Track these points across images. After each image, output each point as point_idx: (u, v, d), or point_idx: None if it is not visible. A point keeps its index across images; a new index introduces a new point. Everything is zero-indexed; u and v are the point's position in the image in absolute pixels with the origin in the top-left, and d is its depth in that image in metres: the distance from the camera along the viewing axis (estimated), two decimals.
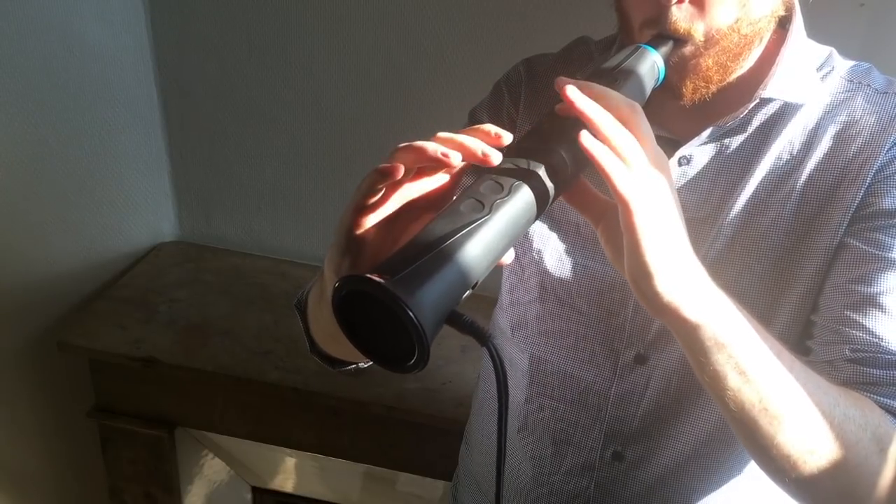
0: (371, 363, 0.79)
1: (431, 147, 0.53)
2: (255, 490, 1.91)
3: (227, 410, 1.50)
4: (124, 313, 1.52)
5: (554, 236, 0.83)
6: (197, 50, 1.52)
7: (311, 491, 1.87)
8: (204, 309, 1.56)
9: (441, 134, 0.55)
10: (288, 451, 1.70)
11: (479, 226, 0.51)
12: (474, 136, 0.54)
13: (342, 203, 0.56)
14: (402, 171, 0.53)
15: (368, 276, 0.46)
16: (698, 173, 0.76)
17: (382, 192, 0.55)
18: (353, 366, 0.83)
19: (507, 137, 0.55)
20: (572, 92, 0.54)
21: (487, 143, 0.54)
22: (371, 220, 0.56)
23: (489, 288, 0.95)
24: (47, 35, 1.41)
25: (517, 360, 0.91)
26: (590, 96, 0.55)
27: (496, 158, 0.53)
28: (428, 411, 1.36)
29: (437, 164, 0.54)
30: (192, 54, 1.52)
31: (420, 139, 0.54)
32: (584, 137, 0.53)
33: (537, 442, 0.91)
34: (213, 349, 1.45)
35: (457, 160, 0.53)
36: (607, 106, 0.55)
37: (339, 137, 1.56)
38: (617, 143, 0.54)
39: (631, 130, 0.55)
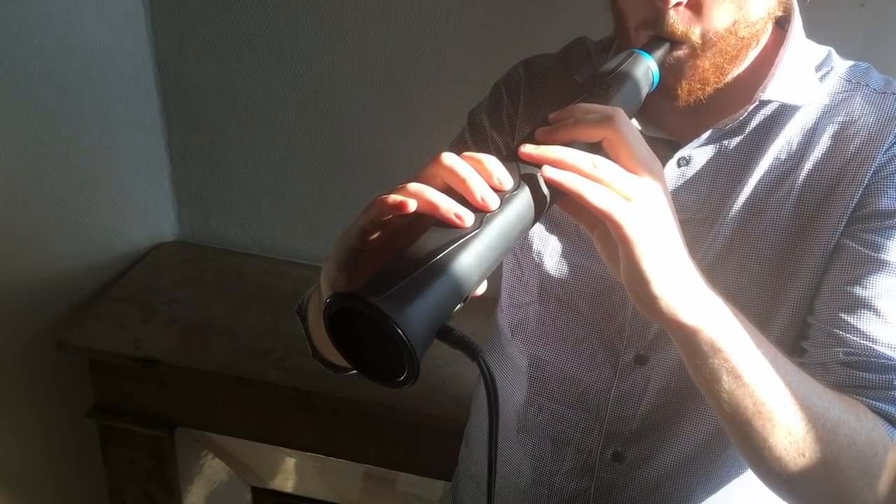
0: None
1: (444, 205, 0.51)
2: (255, 490, 1.91)
3: (227, 410, 1.50)
4: (124, 313, 1.52)
5: (554, 238, 0.83)
6: (197, 50, 1.51)
7: (311, 491, 1.87)
8: (204, 309, 1.56)
9: (446, 161, 0.54)
10: (288, 451, 1.70)
11: (470, 240, 0.50)
12: (478, 170, 0.53)
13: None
14: (412, 208, 0.52)
15: (358, 293, 0.46)
16: (697, 174, 0.76)
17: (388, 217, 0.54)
18: (355, 372, 0.83)
19: (508, 184, 0.54)
20: (531, 149, 0.55)
21: (489, 184, 0.53)
22: (373, 237, 0.56)
23: (490, 288, 0.95)
24: (47, 35, 1.41)
25: (517, 362, 0.91)
26: (562, 122, 0.57)
27: (493, 204, 0.52)
28: (428, 411, 1.35)
29: (447, 220, 0.52)
30: (192, 54, 1.52)
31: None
32: (547, 171, 0.54)
33: (537, 443, 0.91)
34: (213, 349, 1.44)
35: (469, 221, 0.51)
36: (580, 135, 0.56)
37: (339, 137, 1.56)
38: (590, 174, 0.54)
39: (612, 145, 0.56)
